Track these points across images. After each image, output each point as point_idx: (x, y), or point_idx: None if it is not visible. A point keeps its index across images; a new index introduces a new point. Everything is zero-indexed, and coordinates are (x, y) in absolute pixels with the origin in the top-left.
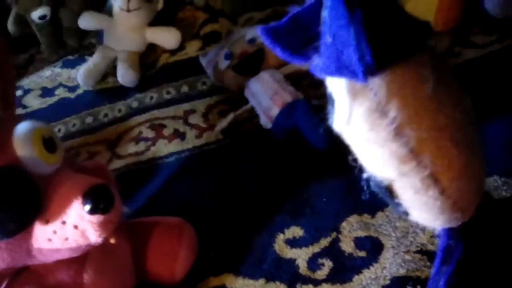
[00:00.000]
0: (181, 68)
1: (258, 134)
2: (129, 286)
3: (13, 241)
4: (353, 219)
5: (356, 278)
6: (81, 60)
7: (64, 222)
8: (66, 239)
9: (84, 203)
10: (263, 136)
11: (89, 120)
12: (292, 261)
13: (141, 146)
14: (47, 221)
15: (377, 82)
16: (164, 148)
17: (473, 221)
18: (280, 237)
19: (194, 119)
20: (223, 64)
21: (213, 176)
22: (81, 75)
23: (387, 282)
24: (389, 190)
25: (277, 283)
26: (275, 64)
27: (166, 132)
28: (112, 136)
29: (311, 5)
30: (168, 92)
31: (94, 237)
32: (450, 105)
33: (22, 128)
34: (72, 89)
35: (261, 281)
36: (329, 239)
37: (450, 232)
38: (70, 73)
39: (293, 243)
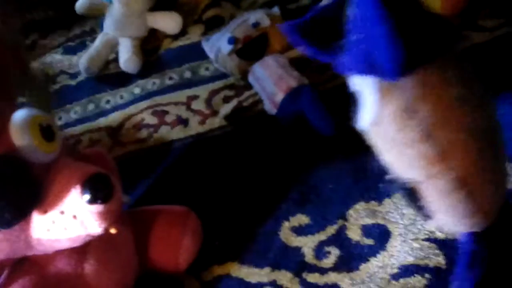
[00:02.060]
0: (184, 53)
1: (262, 120)
2: (132, 276)
3: (11, 232)
4: (360, 206)
5: (363, 266)
6: (82, 46)
7: (62, 212)
8: (65, 229)
9: (83, 193)
10: (267, 122)
11: (90, 107)
12: (298, 249)
13: (144, 133)
14: (45, 211)
15: (407, 82)
16: (167, 134)
17: (496, 225)
18: (286, 224)
19: (197, 105)
20: (227, 49)
21: (217, 163)
22: (83, 63)
23: (395, 270)
24: (413, 193)
25: (283, 271)
26: (279, 49)
27: (169, 118)
28: (114, 123)
29: (334, 3)
30: (170, 78)
31: (94, 227)
32: (478, 108)
33: (19, 116)
34: (73, 76)
35: (267, 269)
36: (335, 226)
37: (473, 236)
38: (71, 59)
39: (299, 231)
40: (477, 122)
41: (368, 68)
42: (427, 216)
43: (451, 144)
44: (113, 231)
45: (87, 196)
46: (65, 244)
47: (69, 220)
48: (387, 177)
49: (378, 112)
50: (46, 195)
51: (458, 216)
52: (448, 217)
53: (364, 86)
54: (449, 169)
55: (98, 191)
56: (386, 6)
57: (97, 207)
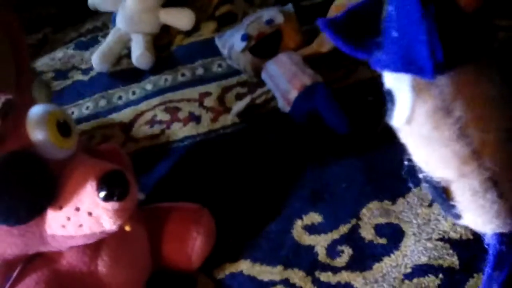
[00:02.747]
0: (196, 49)
1: (276, 118)
2: (145, 273)
3: (26, 227)
4: (373, 205)
5: (376, 265)
6: (94, 42)
7: (78, 209)
8: (80, 226)
9: (99, 190)
10: (280, 120)
11: (103, 103)
12: (310, 248)
13: (156, 129)
14: (60, 208)
15: (443, 80)
16: (179, 131)
17: None
18: (298, 223)
19: (210, 102)
20: (240, 46)
21: (229, 161)
22: (96, 59)
23: (408, 270)
24: (445, 192)
25: (295, 270)
26: (293, 46)
27: (181, 115)
28: (126, 119)
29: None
30: (183, 74)
31: (109, 224)
32: None
33: (35, 111)
34: (85, 71)
35: (279, 268)
36: (348, 225)
37: (502, 237)
38: (83, 55)
39: (311, 229)
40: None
41: (406, 65)
42: (456, 216)
43: (485, 144)
44: (127, 228)
45: (103, 193)
46: (79, 241)
47: (84, 217)
48: (420, 175)
49: (413, 110)
50: (62, 191)
51: (488, 216)
52: (478, 217)
53: (399, 84)
54: (482, 168)
55: (114, 188)
56: (426, 3)
57: (113, 205)
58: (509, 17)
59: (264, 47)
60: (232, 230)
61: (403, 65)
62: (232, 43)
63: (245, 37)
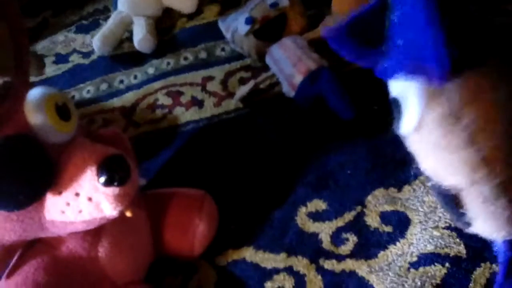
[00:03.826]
0: (199, 33)
1: (280, 102)
2: (146, 260)
3: (25, 213)
4: (379, 192)
5: (381, 254)
6: (95, 25)
7: (77, 194)
8: (80, 211)
9: (99, 175)
10: (285, 105)
11: (104, 86)
12: (315, 235)
13: (158, 113)
14: (60, 193)
15: (451, 87)
16: (182, 116)
17: None
18: (302, 210)
19: (213, 86)
20: (244, 29)
21: (232, 146)
22: (97, 42)
23: (414, 259)
24: (454, 200)
25: (299, 257)
26: (298, 30)
27: (184, 99)
28: (128, 103)
29: (372, 7)
30: (185, 58)
31: (109, 210)
32: None
33: (34, 94)
34: (86, 55)
35: (283, 255)
36: (353, 213)
37: None
38: (84, 38)
39: (316, 216)
40: None
41: (412, 72)
42: (466, 224)
43: (495, 150)
44: (128, 214)
45: (103, 178)
46: (79, 227)
47: (84, 203)
48: (429, 183)
49: (421, 118)
50: (61, 176)
51: (499, 223)
52: (488, 224)
53: (407, 91)
54: (492, 175)
55: (114, 173)
56: (432, 9)
57: (113, 190)
58: None
59: (268, 30)
60: (235, 217)
61: (410, 72)
62: (236, 26)
63: (249, 21)
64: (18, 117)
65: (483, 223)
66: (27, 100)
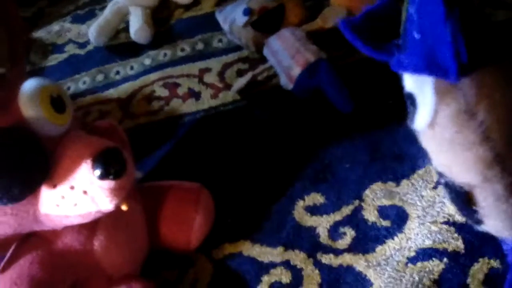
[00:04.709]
0: (196, 24)
1: (278, 95)
2: (142, 254)
3: (19, 206)
4: (377, 186)
5: (379, 248)
6: (91, 15)
7: (72, 187)
8: (75, 205)
9: (94, 168)
10: (283, 97)
11: (100, 77)
12: (312, 229)
13: (154, 105)
14: (54, 186)
15: (467, 83)
16: (179, 107)
17: None
18: (300, 203)
19: (210, 78)
20: (241, 20)
21: (229, 139)
22: (93, 33)
23: (412, 253)
24: (467, 197)
25: (296, 251)
26: (296, 21)
27: (180, 91)
28: (124, 95)
29: (384, 2)
30: (182, 49)
31: (105, 203)
32: None
33: (28, 86)
34: (82, 45)
35: (280, 249)
36: (351, 207)
37: None
38: (80, 28)
39: (313, 210)
40: None
41: (429, 67)
42: (478, 221)
43: (509, 147)
44: (124, 207)
45: (98, 171)
46: (74, 220)
47: (79, 196)
48: (442, 180)
49: (435, 114)
50: (56, 169)
51: (510, 222)
52: (500, 222)
53: (421, 87)
54: (506, 172)
55: (110, 166)
56: (450, 4)
57: (109, 183)
58: None
59: (266, 22)
60: (231, 210)
61: (426, 67)
62: (234, 17)
63: (247, 11)
64: (12, 109)
65: (495, 221)
66: (21, 91)
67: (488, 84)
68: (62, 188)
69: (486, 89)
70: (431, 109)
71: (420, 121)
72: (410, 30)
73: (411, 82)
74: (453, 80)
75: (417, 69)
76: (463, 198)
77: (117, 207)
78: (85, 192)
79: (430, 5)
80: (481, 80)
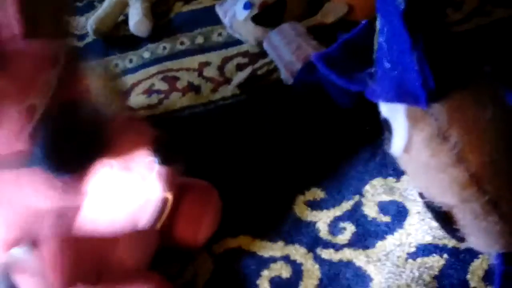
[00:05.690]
0: (196, 17)
1: (278, 89)
2: (152, 249)
3: (71, 182)
4: (377, 182)
5: (379, 244)
6: (89, 7)
7: (129, 169)
8: (127, 189)
9: (154, 154)
10: (283, 92)
11: None
12: (312, 224)
13: (154, 99)
14: (111, 166)
15: (438, 108)
16: (178, 101)
17: None
18: (300, 198)
19: (210, 71)
20: (242, 14)
21: (229, 133)
22: (92, 25)
23: (412, 249)
24: (447, 216)
25: (296, 246)
26: (297, 16)
27: (180, 84)
28: (123, 88)
29: (359, 31)
30: (182, 43)
31: (157, 191)
32: (509, 130)
33: (95, 64)
34: (80, 37)
35: (280, 243)
36: (351, 202)
37: (506, 257)
38: (78, 20)
39: (314, 205)
40: (510, 142)
41: (399, 95)
42: (460, 239)
43: (483, 167)
44: (169, 196)
45: (159, 157)
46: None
47: (134, 180)
48: (423, 200)
49: (410, 139)
50: (113, 150)
51: (491, 238)
52: (481, 239)
53: (395, 114)
54: (481, 192)
55: (166, 153)
56: (414, 33)
57: (167, 170)
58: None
59: (267, 16)
60: (232, 205)
61: (397, 96)
62: (234, 11)
63: (248, 5)
64: (77, 83)
65: (476, 238)
66: (88, 67)
67: (458, 107)
68: (118, 169)
69: (457, 112)
70: (405, 135)
71: (396, 146)
72: (381, 60)
73: (385, 109)
74: (423, 106)
75: (389, 98)
76: (443, 217)
77: (164, 195)
78: (142, 177)
79: (397, 36)
80: (451, 104)
